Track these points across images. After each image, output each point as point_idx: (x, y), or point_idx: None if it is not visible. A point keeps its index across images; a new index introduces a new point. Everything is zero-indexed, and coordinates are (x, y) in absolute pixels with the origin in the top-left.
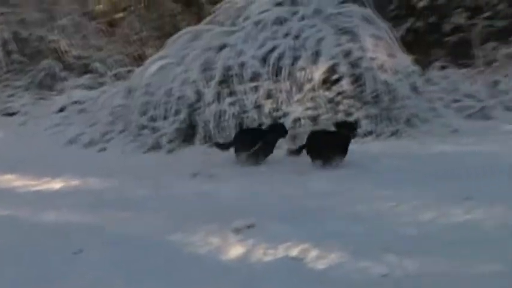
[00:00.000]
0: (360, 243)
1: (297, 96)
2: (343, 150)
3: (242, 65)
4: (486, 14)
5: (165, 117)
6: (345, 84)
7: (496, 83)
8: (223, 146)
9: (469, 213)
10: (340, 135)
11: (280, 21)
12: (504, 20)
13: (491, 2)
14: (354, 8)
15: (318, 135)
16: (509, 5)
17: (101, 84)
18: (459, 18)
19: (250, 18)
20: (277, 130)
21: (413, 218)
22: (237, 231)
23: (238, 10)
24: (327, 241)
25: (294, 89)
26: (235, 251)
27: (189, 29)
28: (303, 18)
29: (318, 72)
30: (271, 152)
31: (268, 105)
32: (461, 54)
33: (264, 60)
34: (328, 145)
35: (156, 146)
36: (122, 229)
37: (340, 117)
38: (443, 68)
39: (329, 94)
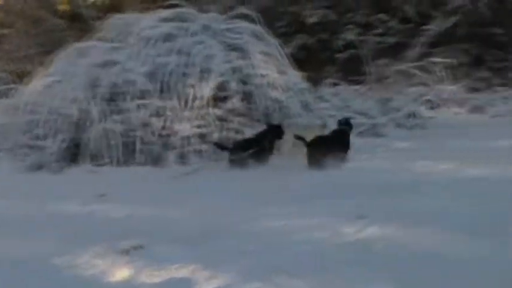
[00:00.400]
0: (251, 263)
1: (186, 114)
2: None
3: (129, 82)
4: (377, 31)
5: (50, 136)
6: (235, 102)
7: (387, 100)
8: (222, 147)
9: (361, 232)
10: (339, 133)
11: (168, 37)
12: (395, 36)
13: (382, 19)
14: (243, 24)
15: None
16: (400, 22)
17: None
18: (350, 34)
19: (138, 34)
20: (274, 131)
21: (305, 236)
22: (124, 252)
23: (125, 26)
24: (218, 261)
25: (182, 106)
26: (121, 273)
27: (75, 45)
28: (192, 34)
29: (207, 90)
30: (271, 153)
31: (156, 123)
32: (352, 71)
33: (152, 77)
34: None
35: (41, 166)
36: (5, 252)
37: (232, 136)
38: (334, 84)
39: (219, 112)
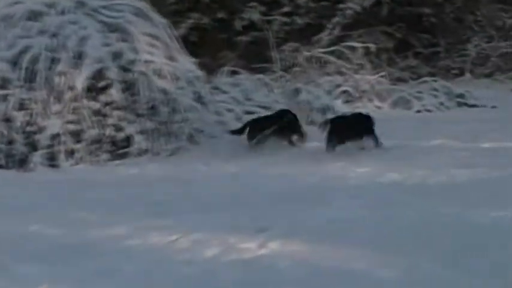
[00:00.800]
0: (130, 284)
1: (55, 108)
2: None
3: None
4: (285, 9)
5: None
6: (115, 93)
7: (296, 91)
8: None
9: (263, 247)
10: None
11: (34, 15)
12: (306, 16)
13: None
14: (125, 0)
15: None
16: None
17: None
18: (253, 13)
19: None
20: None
21: (195, 253)
22: None
23: None
24: (91, 283)
25: (51, 98)
26: None
27: None
28: (62, 12)
29: (82, 78)
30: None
31: (20, 118)
32: (255, 57)
33: (15, 63)
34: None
35: None
36: None
37: (109, 132)
38: (234, 73)
39: (95, 105)
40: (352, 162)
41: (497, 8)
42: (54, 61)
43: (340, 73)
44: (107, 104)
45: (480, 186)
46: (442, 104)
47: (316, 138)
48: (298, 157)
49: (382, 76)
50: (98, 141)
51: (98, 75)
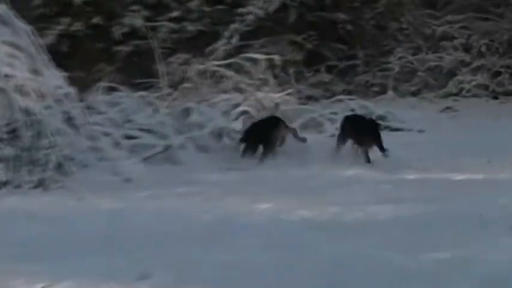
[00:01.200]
0: None
1: None
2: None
3: None
4: (174, 14)
5: None
6: None
7: (186, 112)
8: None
9: None
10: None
11: None
12: (198, 22)
13: None
14: None
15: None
16: (205, 2)
17: None
18: (135, 19)
19: None
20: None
21: None
22: None
23: None
24: None
25: None
26: None
27: None
28: None
29: None
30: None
31: None
32: (138, 71)
33: None
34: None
35: None
36: None
37: None
38: (112, 89)
39: None
40: (255, 197)
41: (425, 13)
42: None
43: (239, 90)
44: None
45: (403, 224)
46: None
47: (215, 170)
48: (193, 190)
49: (289, 94)
50: None
51: None
